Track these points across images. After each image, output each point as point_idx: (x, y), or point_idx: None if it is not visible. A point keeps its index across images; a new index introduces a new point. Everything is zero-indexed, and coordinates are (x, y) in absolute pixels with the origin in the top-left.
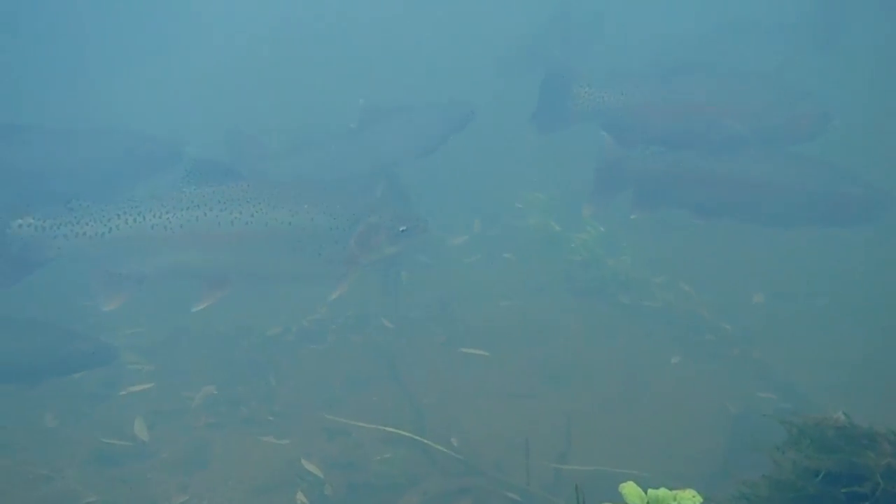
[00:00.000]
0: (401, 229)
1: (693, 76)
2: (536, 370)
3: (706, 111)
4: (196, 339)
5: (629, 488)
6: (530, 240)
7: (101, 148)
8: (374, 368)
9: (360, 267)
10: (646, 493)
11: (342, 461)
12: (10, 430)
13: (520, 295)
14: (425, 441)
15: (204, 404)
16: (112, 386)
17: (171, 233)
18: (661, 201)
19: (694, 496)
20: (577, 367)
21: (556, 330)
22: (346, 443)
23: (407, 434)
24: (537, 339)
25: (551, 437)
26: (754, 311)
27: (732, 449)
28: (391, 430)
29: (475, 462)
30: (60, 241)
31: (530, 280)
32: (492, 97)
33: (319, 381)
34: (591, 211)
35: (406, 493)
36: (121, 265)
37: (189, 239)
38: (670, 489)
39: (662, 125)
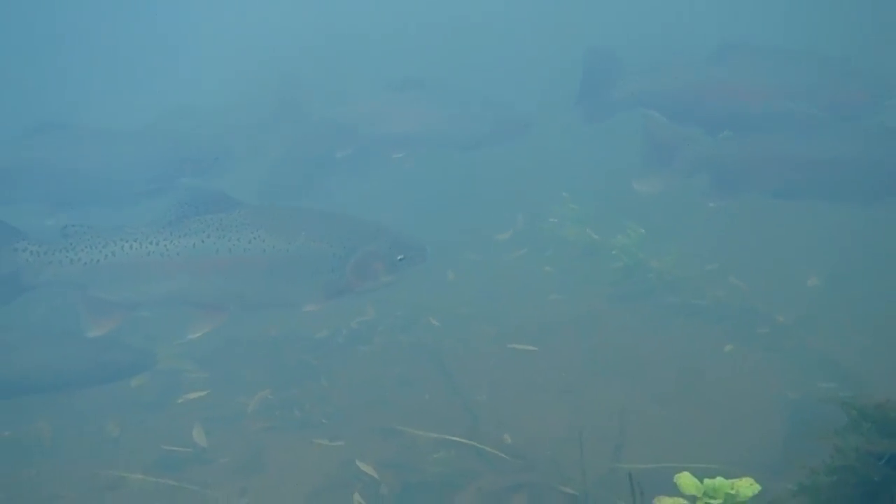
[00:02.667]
0: (398, 258)
1: (741, 57)
2: (587, 364)
3: (761, 92)
4: (248, 346)
5: (685, 479)
6: (569, 253)
7: (145, 148)
8: (423, 367)
9: (357, 294)
10: (702, 483)
11: (396, 461)
12: (76, 439)
13: (568, 289)
14: (478, 445)
15: (259, 409)
16: (169, 394)
17: (168, 260)
18: (742, 187)
19: (751, 484)
20: (628, 360)
21: (605, 323)
22: (400, 443)
23: (458, 439)
24: (587, 333)
25: (605, 430)
26: (809, 296)
27: (791, 437)
28: (445, 437)
29: (529, 458)
30: (55, 266)
31: (577, 275)
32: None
33: (370, 382)
34: (642, 188)
35: (461, 490)
36: (116, 292)
37: (185, 267)
38: (727, 479)
39: (717, 108)
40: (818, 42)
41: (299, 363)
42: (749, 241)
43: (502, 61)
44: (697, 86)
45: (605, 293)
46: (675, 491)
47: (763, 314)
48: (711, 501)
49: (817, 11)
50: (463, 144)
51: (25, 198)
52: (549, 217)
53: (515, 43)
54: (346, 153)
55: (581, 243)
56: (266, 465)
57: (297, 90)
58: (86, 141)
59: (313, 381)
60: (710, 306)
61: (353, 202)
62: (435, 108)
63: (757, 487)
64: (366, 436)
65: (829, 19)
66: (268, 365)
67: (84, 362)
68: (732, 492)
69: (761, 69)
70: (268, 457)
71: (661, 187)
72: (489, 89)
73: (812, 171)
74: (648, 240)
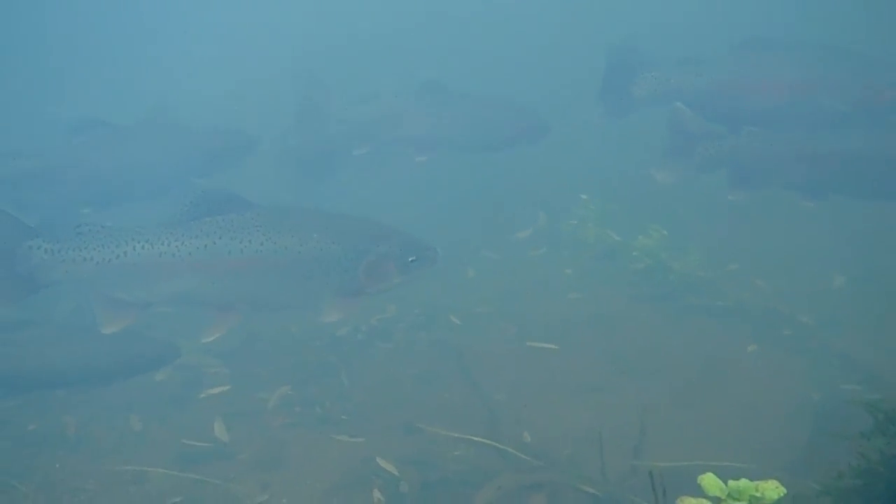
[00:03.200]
0: (410, 260)
1: (767, 51)
2: (607, 363)
3: (791, 87)
4: (269, 343)
5: (709, 480)
6: (589, 253)
7: (177, 141)
8: (443, 365)
9: (368, 296)
10: (726, 484)
11: (416, 458)
12: (100, 433)
13: (588, 288)
14: (498, 445)
15: (279, 405)
16: (191, 389)
17: (179, 261)
18: (763, 181)
19: (777, 487)
20: (648, 359)
21: (626, 323)
22: (420, 440)
23: (480, 440)
24: (607, 332)
25: (625, 430)
26: (834, 296)
27: (814, 439)
28: (465, 435)
29: (549, 457)
30: (68, 265)
31: (597, 275)
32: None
33: (390, 380)
34: (662, 177)
35: (481, 488)
36: (127, 291)
37: (197, 268)
38: (751, 480)
39: (743, 103)
40: (833, 36)
41: (320, 360)
42: (772, 241)
43: (524, 59)
44: (723, 81)
45: (625, 293)
46: (697, 492)
47: (786, 315)
48: (735, 503)
49: (829, 6)
50: (481, 148)
51: (69, 196)
52: (570, 219)
53: (537, 40)
54: (363, 151)
55: (602, 244)
56: (286, 461)
57: (318, 89)
58: (126, 137)
59: (333, 377)
60: (732, 307)
61: (373, 199)
62: (455, 112)
63: (782, 490)
64: (386, 433)
65: (843, 12)
66: (288, 361)
67: (112, 355)
68: (757, 494)
69: (788, 64)
70: (288, 452)
71: (679, 177)
72: (510, 88)
73: (837, 166)
74: (670, 240)
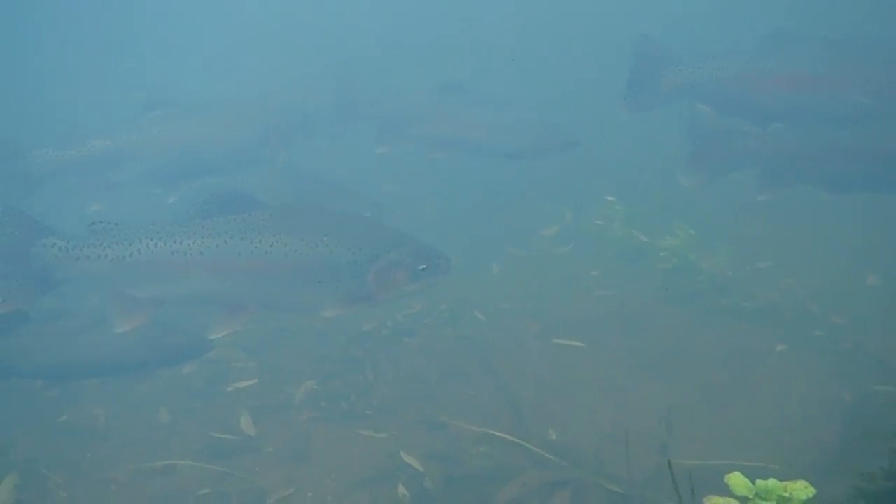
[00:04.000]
0: (421, 268)
1: (796, 45)
2: (633, 360)
3: (820, 81)
4: (295, 337)
5: (736, 479)
6: (615, 253)
7: (241, 119)
8: (468, 361)
9: (378, 302)
10: (753, 483)
11: (441, 454)
12: (129, 425)
13: (614, 286)
14: (523, 442)
15: (305, 399)
16: (219, 383)
17: (191, 259)
18: (792, 179)
19: (806, 487)
20: (675, 358)
21: (652, 321)
22: (444, 436)
23: (504, 436)
24: (633, 330)
25: (651, 428)
26: (867, 295)
27: (847, 439)
28: (490, 431)
29: (574, 455)
30: (83, 262)
31: (623, 275)
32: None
33: (415, 375)
34: (688, 181)
35: (505, 485)
36: (140, 289)
37: (208, 266)
38: (780, 480)
39: (772, 99)
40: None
41: (345, 355)
42: (802, 239)
43: (552, 57)
44: (750, 75)
45: (653, 292)
46: (724, 491)
47: (818, 315)
48: (763, 503)
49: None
50: (501, 154)
51: (142, 175)
52: (596, 219)
53: (564, 39)
54: (384, 150)
55: (628, 245)
56: (312, 455)
57: (352, 88)
58: (196, 115)
59: (359, 372)
60: (763, 307)
61: (399, 193)
62: (476, 116)
63: (812, 490)
64: (410, 428)
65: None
66: (314, 356)
67: (146, 346)
68: (786, 494)
69: (816, 57)
70: (314, 447)
71: (707, 181)
72: (539, 86)
73: (868, 163)
74: (697, 239)
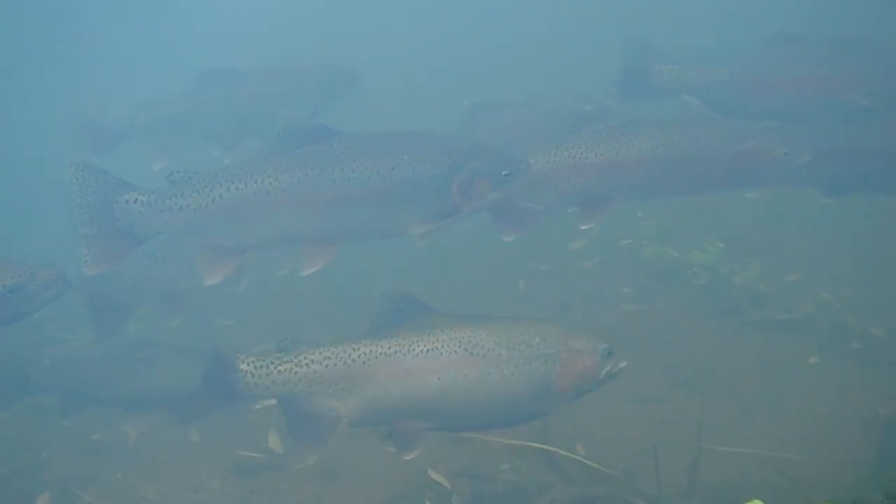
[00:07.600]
0: (504, 173)
1: (797, 46)
2: (663, 374)
3: (821, 83)
4: None
5: None
6: (645, 269)
7: (294, 80)
8: None
9: (462, 217)
10: None
11: (468, 471)
12: (160, 443)
13: (643, 300)
14: (551, 456)
15: None
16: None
17: (273, 197)
18: (802, 182)
19: None
20: (707, 373)
21: (683, 335)
22: (471, 452)
23: (533, 448)
24: (664, 344)
25: (682, 443)
26: None
27: (882, 455)
28: (518, 444)
29: (603, 470)
30: (167, 214)
31: (653, 289)
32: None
33: None
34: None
35: (534, 502)
36: (226, 236)
37: (291, 202)
38: (807, 499)
39: (771, 100)
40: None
41: None
42: (835, 249)
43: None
44: (749, 76)
45: (683, 307)
46: None
47: (856, 327)
48: None
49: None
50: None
51: (201, 139)
52: (625, 237)
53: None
54: None
55: (659, 261)
56: (339, 473)
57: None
58: (250, 80)
59: None
60: (798, 320)
61: None
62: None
63: None
64: (438, 444)
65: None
66: None
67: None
68: None
69: (817, 59)
70: (340, 464)
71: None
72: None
73: (868, 164)
74: (728, 253)
